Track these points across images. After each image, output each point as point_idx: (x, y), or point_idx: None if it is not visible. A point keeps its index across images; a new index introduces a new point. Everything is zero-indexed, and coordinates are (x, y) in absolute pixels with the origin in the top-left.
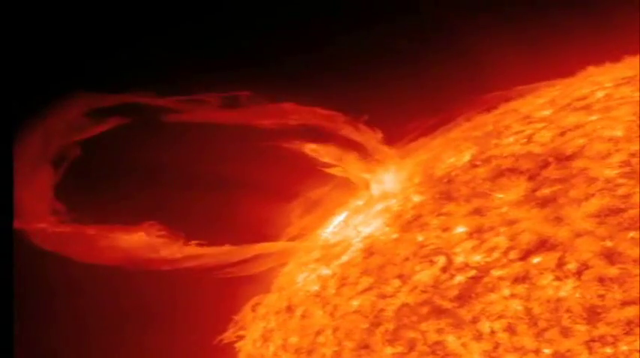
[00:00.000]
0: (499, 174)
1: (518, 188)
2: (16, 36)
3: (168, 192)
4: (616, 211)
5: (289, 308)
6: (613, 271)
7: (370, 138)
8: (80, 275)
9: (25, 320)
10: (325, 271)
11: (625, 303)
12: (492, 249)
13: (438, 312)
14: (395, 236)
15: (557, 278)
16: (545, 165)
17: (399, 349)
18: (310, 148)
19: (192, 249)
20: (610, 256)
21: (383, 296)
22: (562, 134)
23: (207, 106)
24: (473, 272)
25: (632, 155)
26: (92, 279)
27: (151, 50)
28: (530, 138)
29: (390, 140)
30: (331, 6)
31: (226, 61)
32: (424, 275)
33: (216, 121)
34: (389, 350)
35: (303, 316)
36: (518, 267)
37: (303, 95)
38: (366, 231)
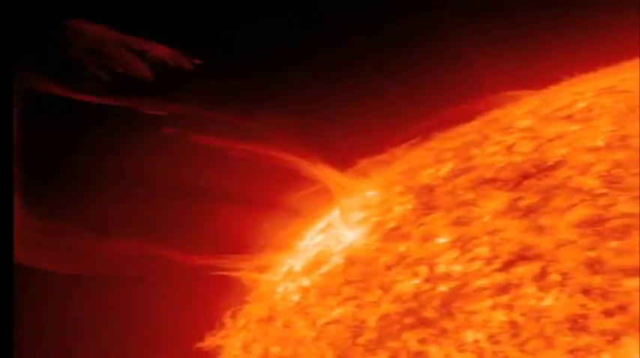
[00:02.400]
0: (480, 183)
1: (499, 198)
2: None
3: (148, 202)
4: (598, 221)
5: (270, 318)
6: (596, 281)
7: (351, 148)
8: (65, 285)
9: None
10: (306, 281)
11: (608, 313)
12: (474, 259)
13: (421, 322)
14: (376, 246)
15: (540, 288)
16: (527, 175)
17: None
18: (290, 159)
19: (173, 259)
20: (593, 266)
21: (364, 306)
22: (543, 144)
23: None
24: (455, 283)
25: (614, 165)
26: (76, 288)
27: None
28: (511, 148)
29: (374, 148)
30: (320, 15)
31: (211, 71)
32: (406, 285)
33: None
34: None
35: (284, 326)
36: (500, 277)
37: (288, 104)
38: (347, 240)
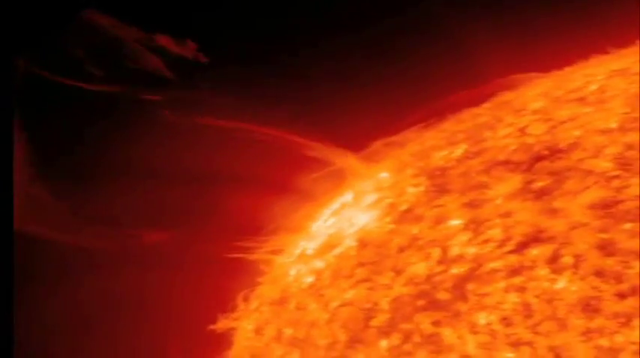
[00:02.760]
0: (493, 166)
1: (512, 180)
2: None
3: (158, 188)
4: (611, 203)
5: (283, 300)
6: (609, 263)
7: (363, 130)
8: (76, 263)
9: (22, 310)
10: (319, 263)
11: (621, 295)
12: (487, 241)
13: (433, 304)
14: (389, 228)
15: (553, 271)
16: (540, 157)
17: (394, 341)
18: (302, 141)
19: (184, 243)
20: (606, 248)
21: (377, 289)
22: (556, 126)
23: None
24: (468, 265)
25: (627, 147)
26: (86, 274)
27: None
28: (523, 131)
29: (382, 133)
30: (320, 5)
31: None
32: (419, 268)
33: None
34: (384, 342)
35: (296, 308)
36: (513, 259)
37: (300, 87)
38: (360, 222)
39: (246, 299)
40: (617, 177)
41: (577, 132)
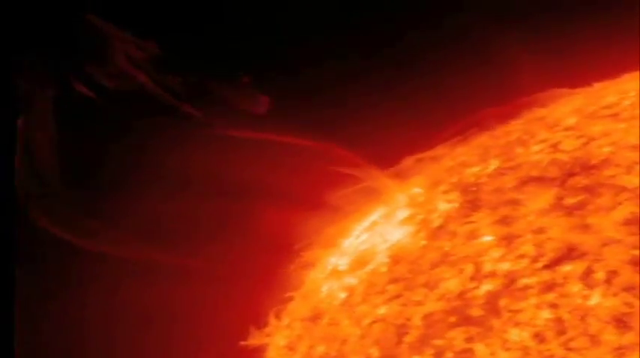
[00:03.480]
0: (526, 182)
1: (545, 196)
2: None
3: (191, 202)
4: None
5: (315, 317)
6: None
7: (395, 146)
8: (106, 273)
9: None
10: (351, 279)
11: None
12: (520, 257)
13: (466, 320)
14: (422, 244)
15: (586, 287)
16: (572, 173)
17: (427, 357)
18: (335, 156)
19: (216, 257)
20: (638, 264)
21: (410, 305)
22: (589, 142)
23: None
24: (501, 281)
25: None
26: (118, 278)
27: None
28: (556, 147)
29: (414, 148)
30: (352, 20)
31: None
32: (452, 284)
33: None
34: None
35: (329, 324)
36: (546, 276)
37: (331, 102)
38: (393, 238)
39: (277, 315)
40: None
41: (609, 149)
